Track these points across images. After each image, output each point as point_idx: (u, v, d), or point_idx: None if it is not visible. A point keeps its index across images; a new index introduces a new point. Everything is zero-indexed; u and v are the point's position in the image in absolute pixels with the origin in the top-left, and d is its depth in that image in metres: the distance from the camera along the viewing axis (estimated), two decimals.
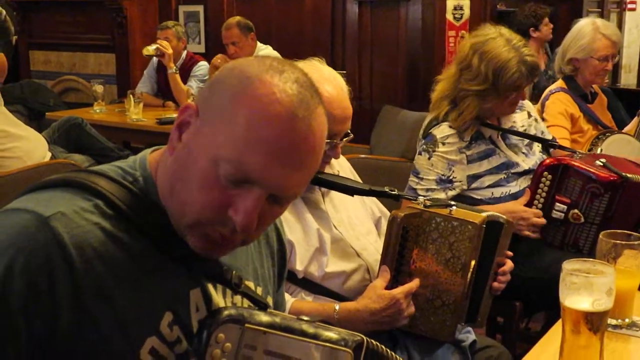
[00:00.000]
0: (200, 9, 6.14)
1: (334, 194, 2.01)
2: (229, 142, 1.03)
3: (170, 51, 5.00)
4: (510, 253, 2.06)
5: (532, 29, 5.46)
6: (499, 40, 2.52)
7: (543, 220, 2.55)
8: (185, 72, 5.15)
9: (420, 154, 2.60)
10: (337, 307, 1.84)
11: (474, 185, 2.60)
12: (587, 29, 3.44)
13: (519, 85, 2.52)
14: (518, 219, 2.49)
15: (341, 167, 2.13)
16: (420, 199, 1.93)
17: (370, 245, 2.03)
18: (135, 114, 4.78)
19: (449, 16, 4.98)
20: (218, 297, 1.20)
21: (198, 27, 6.16)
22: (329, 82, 1.87)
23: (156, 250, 1.11)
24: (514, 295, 2.49)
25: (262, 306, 1.24)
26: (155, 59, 5.30)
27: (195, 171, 1.06)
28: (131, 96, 4.82)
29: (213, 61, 5.04)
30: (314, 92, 1.10)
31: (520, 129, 2.74)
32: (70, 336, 1.02)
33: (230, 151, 1.03)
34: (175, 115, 4.37)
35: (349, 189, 1.91)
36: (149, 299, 1.09)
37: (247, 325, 1.10)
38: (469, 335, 2.02)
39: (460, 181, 2.57)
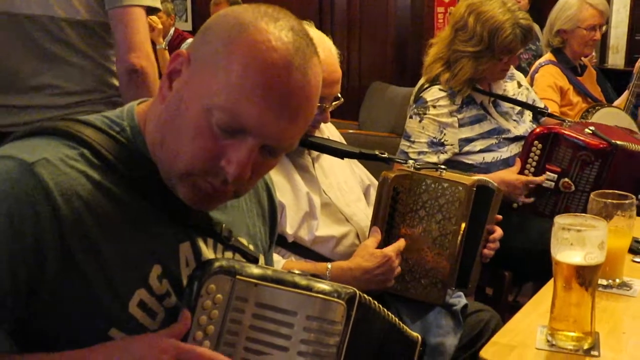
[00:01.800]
0: None
1: (324, 159, 2.00)
2: (223, 90, 1.01)
3: (160, 26, 4.94)
4: (499, 217, 2.06)
5: None
6: (495, 2, 2.52)
7: (539, 179, 2.54)
8: (174, 50, 5.06)
9: (411, 117, 2.59)
10: (329, 266, 1.83)
11: (465, 149, 2.59)
12: (573, 0, 3.44)
13: (513, 47, 2.52)
14: (512, 187, 2.49)
15: (331, 133, 2.12)
16: (410, 162, 1.93)
17: (360, 211, 2.03)
18: None
19: None
20: (208, 251, 1.18)
21: (185, 5, 6.11)
22: (318, 44, 1.85)
23: (144, 202, 1.09)
24: (504, 265, 2.49)
25: (253, 260, 1.23)
26: None
27: (187, 120, 1.04)
28: None
29: None
30: (310, 41, 1.09)
31: (513, 97, 2.74)
32: (56, 287, 1.00)
33: (225, 99, 1.01)
34: None
35: (339, 152, 1.90)
36: (137, 251, 1.07)
37: (238, 277, 1.09)
38: (460, 299, 2.02)
39: (451, 144, 2.56)
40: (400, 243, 1.87)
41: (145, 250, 1.08)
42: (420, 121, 2.56)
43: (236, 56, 1.02)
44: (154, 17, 4.95)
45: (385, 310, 1.25)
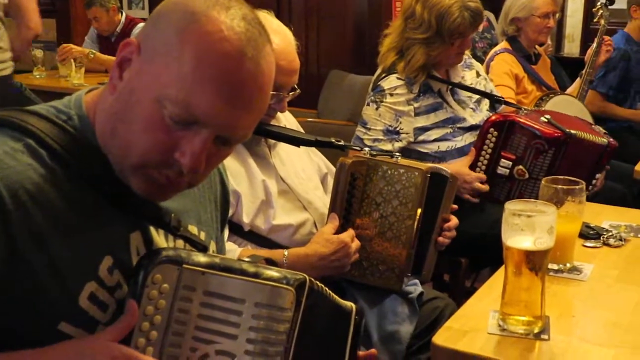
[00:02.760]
0: None
1: (281, 148, 1.99)
2: (175, 81, 0.99)
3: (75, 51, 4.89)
4: (455, 207, 2.07)
5: None
6: None
7: (485, 187, 2.57)
8: (125, 37, 5.01)
9: (368, 104, 2.60)
10: (285, 253, 1.83)
11: (420, 138, 2.60)
12: None
13: (463, 31, 2.54)
14: (461, 181, 2.51)
15: (288, 122, 2.11)
16: (366, 149, 1.94)
17: (318, 199, 2.02)
18: (77, 78, 4.68)
19: None
20: (160, 240, 1.16)
21: None
22: (277, 33, 1.84)
23: (93, 192, 1.07)
24: (460, 252, 2.51)
25: (202, 249, 1.22)
26: (92, 27, 5.21)
27: (139, 112, 1.02)
28: (72, 60, 4.70)
29: None
30: (262, 30, 1.07)
31: (470, 86, 2.76)
32: (4, 283, 0.97)
33: (177, 91, 0.99)
34: None
35: (296, 140, 1.89)
36: (86, 244, 1.05)
37: (185, 265, 1.07)
38: (416, 287, 2.03)
39: (407, 133, 2.57)
40: (352, 231, 1.88)
41: (95, 242, 1.06)
42: (376, 109, 2.56)
43: (187, 46, 1.00)
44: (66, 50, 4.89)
45: (337, 297, 1.24)
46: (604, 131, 2.76)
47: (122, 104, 1.04)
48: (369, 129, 2.56)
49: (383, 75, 2.62)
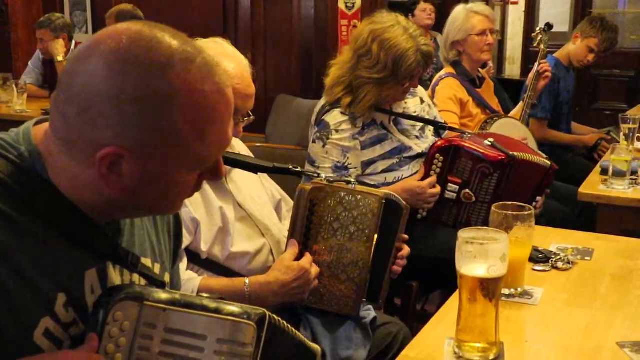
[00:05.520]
0: None
1: (235, 174, 1.99)
2: (186, 157, 1.05)
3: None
4: (406, 237, 2.10)
5: (409, 15, 5.59)
6: (398, 28, 2.54)
7: (438, 190, 2.60)
8: None
9: (314, 142, 2.60)
10: (247, 281, 1.83)
11: (368, 171, 2.63)
12: (459, 12, 3.60)
13: (416, 73, 2.57)
14: (414, 194, 2.54)
15: (239, 148, 2.11)
16: (323, 175, 1.96)
17: (274, 226, 2.03)
18: (19, 105, 4.59)
19: (341, 5, 5.02)
20: (115, 277, 1.15)
21: (85, 16, 5.95)
22: (232, 58, 1.86)
23: (48, 228, 1.05)
24: (411, 276, 2.54)
25: (160, 285, 1.21)
26: (38, 50, 5.12)
27: (170, 187, 1.09)
28: (14, 86, 4.61)
29: None
30: (191, 42, 1.07)
31: (413, 115, 2.79)
32: None
33: (192, 163, 1.07)
34: None
35: (253, 166, 1.89)
36: (41, 279, 1.03)
37: (145, 302, 1.07)
38: (369, 312, 2.05)
39: (355, 167, 2.60)
40: (309, 256, 1.89)
41: (49, 278, 1.04)
42: (323, 146, 2.57)
43: (179, 124, 1.02)
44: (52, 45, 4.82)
45: (292, 328, 1.25)
46: (545, 156, 2.84)
47: (132, 195, 1.06)
48: (318, 167, 2.57)
49: (327, 108, 2.62)
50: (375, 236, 1.93)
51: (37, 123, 1.13)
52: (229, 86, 1.08)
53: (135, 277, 1.19)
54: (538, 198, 2.73)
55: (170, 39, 1.04)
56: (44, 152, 1.07)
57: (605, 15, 4.43)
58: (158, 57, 1.01)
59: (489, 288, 1.41)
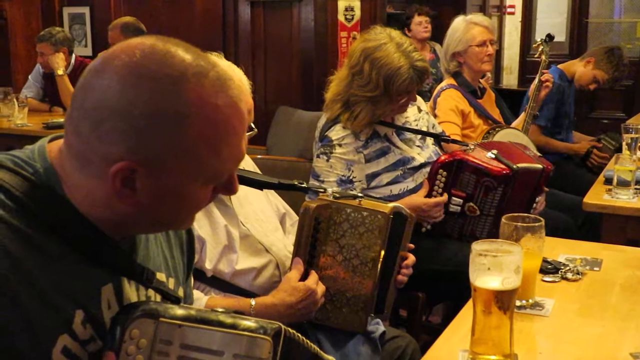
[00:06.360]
0: (86, 10, 5.93)
1: (240, 190, 1.97)
2: (200, 172, 1.05)
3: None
4: (412, 245, 2.09)
5: (405, 28, 5.61)
6: (390, 46, 2.52)
7: (441, 215, 2.60)
8: (76, 78, 4.93)
9: (318, 157, 2.59)
10: (253, 303, 1.81)
11: (373, 184, 2.63)
12: (459, 23, 3.60)
13: (411, 89, 2.55)
14: (420, 211, 2.53)
15: (245, 162, 2.10)
16: (329, 190, 1.93)
17: (279, 241, 2.02)
18: (20, 119, 4.58)
19: (341, 17, 5.03)
20: (131, 292, 1.15)
21: (84, 30, 5.96)
22: (229, 74, 1.84)
23: (64, 245, 1.04)
24: (417, 287, 2.53)
25: (175, 300, 1.21)
26: (38, 64, 5.12)
27: (185, 202, 1.09)
28: (15, 100, 4.60)
29: None
30: (204, 56, 1.07)
31: (413, 124, 2.79)
32: None
33: (206, 178, 1.06)
34: (63, 119, 4.21)
35: (257, 183, 1.88)
36: (57, 298, 1.02)
37: (161, 319, 1.06)
38: (378, 326, 2.04)
39: (360, 180, 2.59)
40: (315, 275, 1.88)
41: (65, 296, 1.04)
42: (327, 160, 2.57)
43: (194, 140, 1.01)
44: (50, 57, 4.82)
45: (308, 341, 1.24)
46: (539, 154, 2.83)
47: (147, 209, 1.06)
48: (323, 182, 2.56)
49: (329, 124, 2.62)
50: (382, 252, 1.91)
51: (52, 140, 1.12)
52: (242, 100, 1.07)
53: (151, 293, 1.19)
54: (538, 199, 2.72)
55: (183, 53, 1.03)
56: (59, 168, 1.07)
57: (620, 48, 4.42)
58: (171, 72, 1.01)
59: (503, 300, 1.40)
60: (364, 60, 2.53)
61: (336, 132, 2.58)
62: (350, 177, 2.57)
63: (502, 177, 2.58)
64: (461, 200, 2.63)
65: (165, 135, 1.00)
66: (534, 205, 2.70)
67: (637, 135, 3.40)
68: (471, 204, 2.62)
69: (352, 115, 2.57)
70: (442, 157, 2.66)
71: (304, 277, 1.86)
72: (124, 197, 1.03)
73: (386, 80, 2.49)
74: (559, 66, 4.39)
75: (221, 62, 1.88)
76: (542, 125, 4.18)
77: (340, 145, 2.57)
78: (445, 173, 2.61)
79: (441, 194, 2.62)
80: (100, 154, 1.01)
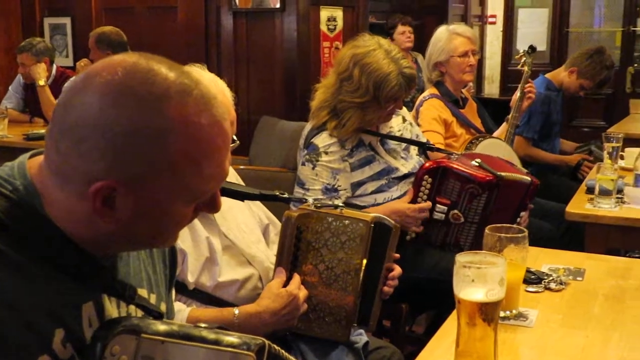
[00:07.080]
0: (67, 21, 5.89)
1: (222, 202, 1.96)
2: (182, 191, 1.04)
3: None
4: (397, 256, 2.08)
5: (388, 38, 5.63)
6: (379, 52, 2.54)
7: (426, 213, 2.60)
8: (58, 89, 4.90)
9: (303, 164, 2.59)
10: (236, 312, 1.80)
11: (357, 193, 2.63)
12: (441, 33, 3.62)
13: (399, 96, 2.57)
14: (404, 216, 2.54)
15: (230, 175, 2.08)
16: (310, 200, 1.94)
17: (261, 253, 2.01)
18: (0, 130, 4.53)
19: (323, 27, 5.04)
20: (112, 309, 1.13)
21: (65, 40, 5.92)
22: (212, 86, 1.83)
23: (44, 263, 1.03)
24: (400, 298, 2.52)
25: (157, 315, 1.19)
26: (19, 74, 5.09)
27: (166, 220, 1.07)
28: None
29: (77, 65, 4.89)
30: (187, 73, 1.05)
31: (397, 134, 2.80)
32: None
33: (188, 197, 1.05)
34: (44, 131, 4.17)
35: (239, 194, 1.87)
36: (37, 317, 1.00)
37: (143, 335, 1.04)
38: (361, 337, 2.03)
39: (345, 189, 2.59)
40: (298, 278, 1.88)
41: (46, 314, 1.02)
42: (313, 168, 2.56)
43: (176, 158, 1.00)
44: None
45: (291, 357, 1.23)
46: (526, 171, 2.85)
47: (125, 229, 1.05)
48: (308, 189, 2.56)
49: (315, 132, 2.62)
50: (364, 261, 1.91)
51: (32, 155, 1.10)
52: (226, 119, 1.06)
53: (132, 309, 1.17)
54: (522, 214, 2.73)
55: (166, 71, 1.02)
56: (39, 185, 1.05)
57: (603, 50, 4.39)
58: (154, 90, 1.00)
59: (487, 312, 1.40)
60: (354, 65, 2.54)
61: (322, 140, 2.58)
62: (336, 186, 2.57)
63: (486, 183, 2.59)
64: (445, 208, 2.63)
65: (147, 154, 0.99)
66: (518, 220, 2.71)
67: (618, 144, 3.43)
68: (455, 211, 2.63)
69: (340, 122, 2.57)
70: (427, 164, 2.67)
71: (286, 285, 1.86)
72: (104, 216, 1.02)
73: (376, 86, 2.51)
74: (546, 75, 4.42)
75: (205, 75, 1.89)
76: (529, 137, 4.19)
77: (326, 152, 2.57)
78: (430, 179, 2.62)
79: (426, 201, 2.63)
80: (80, 172, 1.00)
